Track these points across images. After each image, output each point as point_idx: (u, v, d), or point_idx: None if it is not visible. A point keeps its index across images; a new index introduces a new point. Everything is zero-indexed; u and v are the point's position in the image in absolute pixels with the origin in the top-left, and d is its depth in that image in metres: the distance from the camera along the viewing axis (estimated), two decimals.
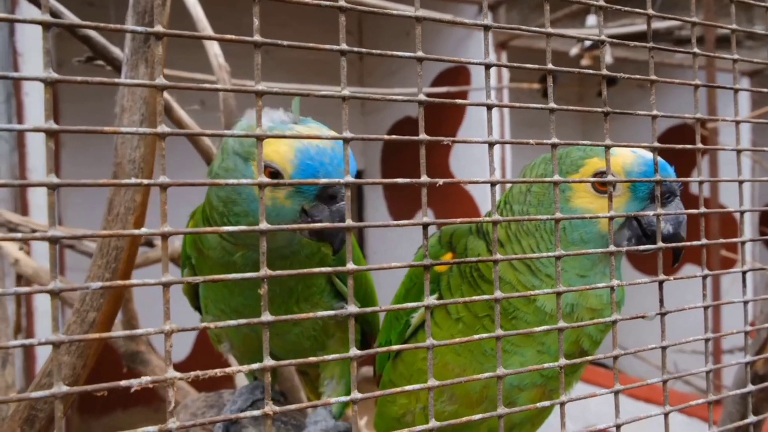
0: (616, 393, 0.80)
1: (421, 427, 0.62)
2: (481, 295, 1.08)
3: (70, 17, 1.61)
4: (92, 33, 1.63)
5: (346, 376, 1.31)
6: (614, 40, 0.79)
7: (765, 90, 1.01)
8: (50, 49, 0.52)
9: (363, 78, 9.44)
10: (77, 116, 7.56)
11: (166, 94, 1.92)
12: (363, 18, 8.67)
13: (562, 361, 0.76)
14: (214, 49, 2.26)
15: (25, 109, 6.00)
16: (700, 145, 0.88)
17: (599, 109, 0.79)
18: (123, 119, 1.06)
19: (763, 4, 1.00)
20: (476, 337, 0.70)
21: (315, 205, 1.00)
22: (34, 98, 5.96)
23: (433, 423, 0.64)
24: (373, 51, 0.63)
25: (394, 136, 0.62)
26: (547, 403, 0.73)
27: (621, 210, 1.04)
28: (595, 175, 1.02)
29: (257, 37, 0.59)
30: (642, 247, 0.95)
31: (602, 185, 1.01)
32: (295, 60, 8.06)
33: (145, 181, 0.54)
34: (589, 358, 0.80)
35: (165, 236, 0.55)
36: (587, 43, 6.80)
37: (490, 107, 0.70)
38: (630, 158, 1.03)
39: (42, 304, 5.29)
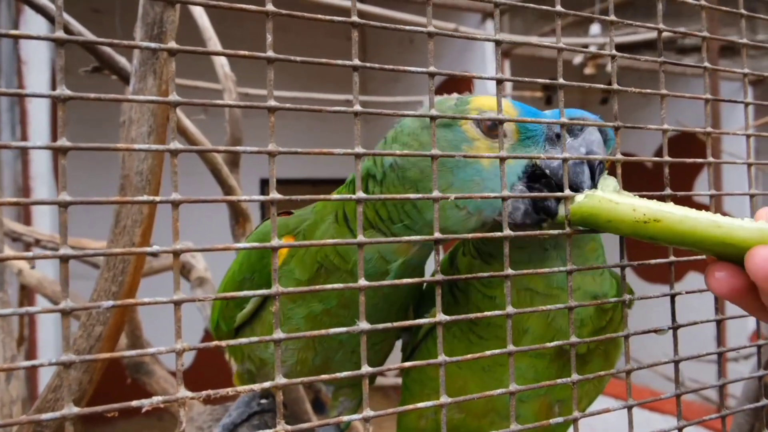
0: (630, 408, 0.79)
1: None
2: (463, 296, 1.07)
3: (78, 28, 1.61)
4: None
5: (359, 394, 1.27)
6: (624, 55, 0.79)
7: None
8: (62, 66, 0.51)
9: (367, 84, 9.46)
10: (82, 122, 7.58)
11: None
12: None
13: (575, 377, 0.75)
14: (220, 59, 2.27)
15: (29, 117, 6.01)
16: (711, 159, 0.88)
17: (611, 124, 0.79)
18: (131, 131, 1.06)
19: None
20: (488, 353, 0.69)
21: (547, 150, 0.86)
22: (38, 107, 5.98)
23: None
24: (385, 66, 0.63)
25: (405, 152, 0.61)
26: (560, 419, 0.73)
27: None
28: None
29: (270, 53, 0.58)
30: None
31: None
32: (300, 66, 8.07)
33: (158, 199, 0.53)
34: (602, 373, 0.79)
35: (177, 254, 0.54)
36: (595, 53, 6.80)
37: (501, 122, 0.70)
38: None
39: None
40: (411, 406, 0.63)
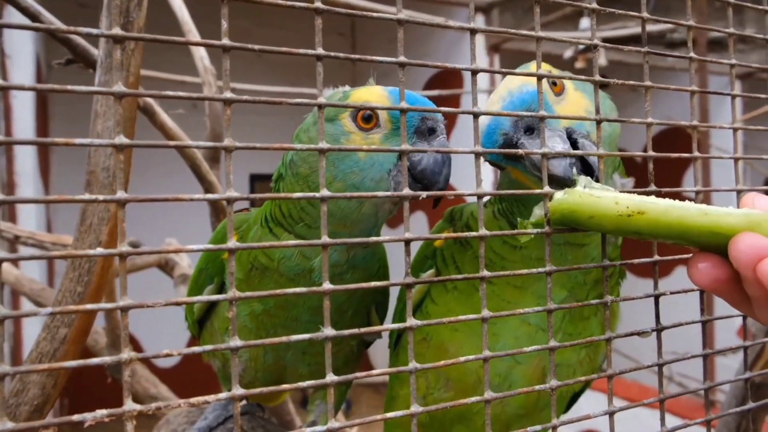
0: (611, 414, 0.76)
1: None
2: (470, 254, 1.05)
3: (49, 18, 1.56)
4: (72, 35, 1.58)
5: (336, 395, 1.23)
6: (607, 45, 0.75)
7: (762, 96, 0.98)
8: None
9: (356, 79, 9.38)
10: (67, 118, 7.50)
11: (149, 99, 1.87)
12: (356, 19, 8.65)
13: (554, 383, 0.72)
14: (199, 51, 2.22)
15: (13, 112, 5.92)
16: (697, 154, 0.84)
17: (593, 118, 0.75)
18: (96, 125, 1.02)
19: (760, 6, 0.97)
20: (462, 359, 0.66)
21: (414, 143, 0.89)
22: (23, 102, 5.89)
23: None
24: (351, 56, 0.59)
25: (373, 147, 0.58)
26: (538, 427, 0.69)
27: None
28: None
29: (225, 41, 0.55)
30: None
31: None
32: (288, 61, 8.01)
33: (101, 197, 0.49)
34: (582, 379, 0.76)
35: (123, 256, 0.51)
36: (581, 45, 6.78)
37: (476, 115, 0.66)
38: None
39: (27, 307, 5.20)
40: (379, 416, 0.60)
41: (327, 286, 0.58)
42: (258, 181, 8.84)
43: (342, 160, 0.90)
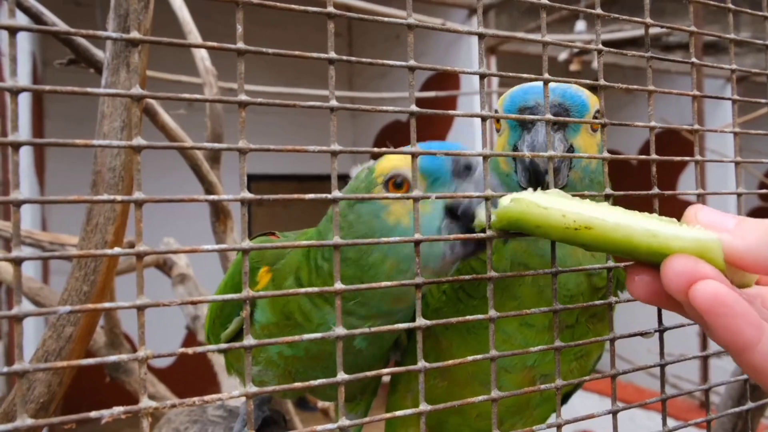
0: (614, 413, 0.77)
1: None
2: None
3: (52, 18, 1.57)
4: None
5: (362, 407, 1.24)
6: (611, 50, 0.77)
7: (762, 100, 0.99)
8: (15, 56, 0.48)
9: (352, 80, 9.40)
10: (62, 116, 7.49)
11: (150, 99, 1.88)
12: (353, 20, 8.64)
13: (559, 382, 0.73)
14: (200, 52, 2.22)
15: (9, 111, 5.88)
16: (698, 157, 0.86)
17: (597, 121, 0.77)
18: (103, 125, 1.02)
19: (760, 13, 0.98)
20: (470, 358, 0.67)
21: (456, 186, 0.83)
22: (20, 101, 5.86)
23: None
24: (363, 60, 0.60)
25: (383, 149, 0.59)
26: (543, 426, 0.70)
27: (508, 140, 0.94)
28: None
29: (241, 45, 0.55)
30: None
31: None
32: (286, 62, 8.02)
33: (119, 198, 0.50)
34: (586, 378, 0.77)
35: (140, 256, 0.51)
36: (579, 49, 6.79)
37: (485, 118, 0.67)
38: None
39: (27, 306, 5.18)
40: (389, 415, 0.61)
41: (339, 286, 0.59)
42: (254, 181, 8.84)
43: (389, 234, 0.83)
